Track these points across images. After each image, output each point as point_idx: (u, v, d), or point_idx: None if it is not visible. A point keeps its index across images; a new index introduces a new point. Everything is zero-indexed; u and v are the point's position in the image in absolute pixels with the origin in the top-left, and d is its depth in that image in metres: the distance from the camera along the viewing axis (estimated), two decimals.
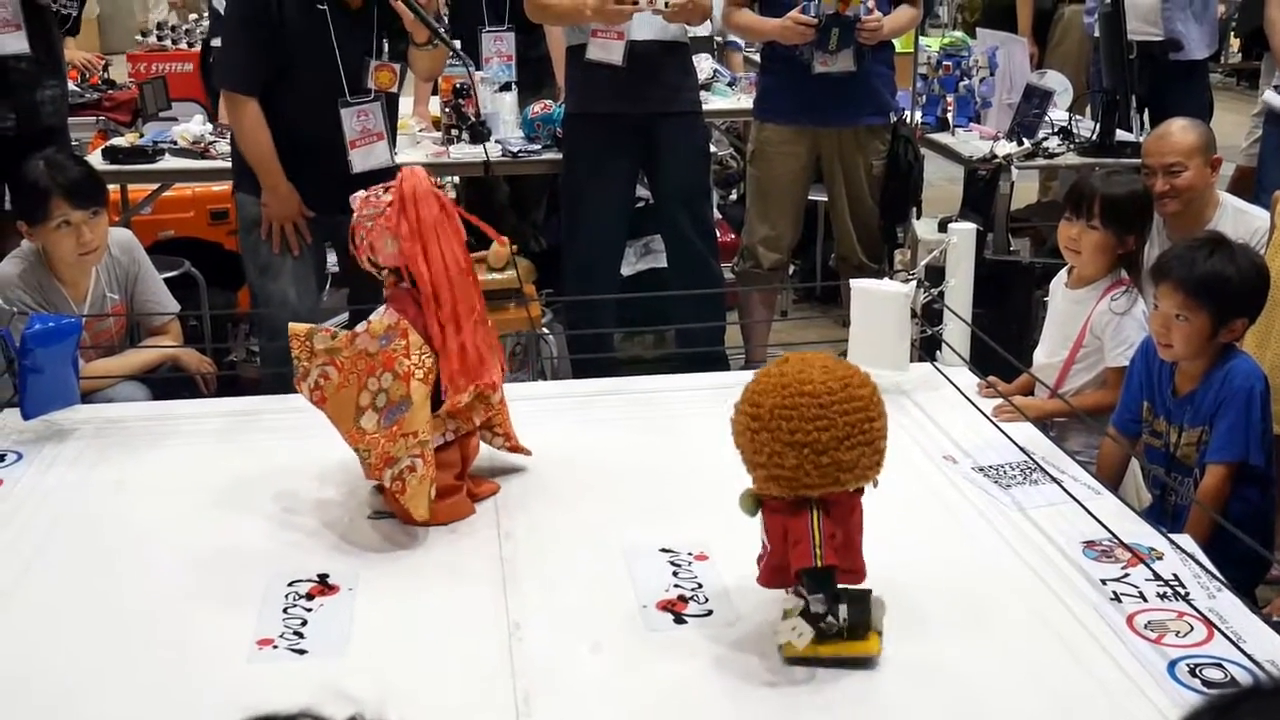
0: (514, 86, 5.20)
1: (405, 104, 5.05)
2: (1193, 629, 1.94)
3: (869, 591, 1.84)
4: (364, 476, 2.35)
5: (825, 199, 4.90)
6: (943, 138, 5.32)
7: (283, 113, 3.78)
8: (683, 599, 2.03)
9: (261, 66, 3.73)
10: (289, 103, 3.78)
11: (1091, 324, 3.14)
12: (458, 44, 4.29)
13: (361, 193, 2.26)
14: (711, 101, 5.80)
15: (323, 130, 3.77)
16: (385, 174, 3.83)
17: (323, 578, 2.11)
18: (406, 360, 2.17)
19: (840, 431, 1.73)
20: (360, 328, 2.22)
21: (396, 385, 2.17)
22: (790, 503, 1.78)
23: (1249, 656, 1.84)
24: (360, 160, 3.81)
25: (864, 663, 1.83)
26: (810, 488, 1.75)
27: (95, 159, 4.69)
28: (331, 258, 4.32)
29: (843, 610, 1.81)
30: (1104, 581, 2.09)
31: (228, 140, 4.37)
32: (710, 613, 1.99)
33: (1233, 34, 11.46)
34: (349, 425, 2.22)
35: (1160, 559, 2.15)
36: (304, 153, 3.78)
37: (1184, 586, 2.06)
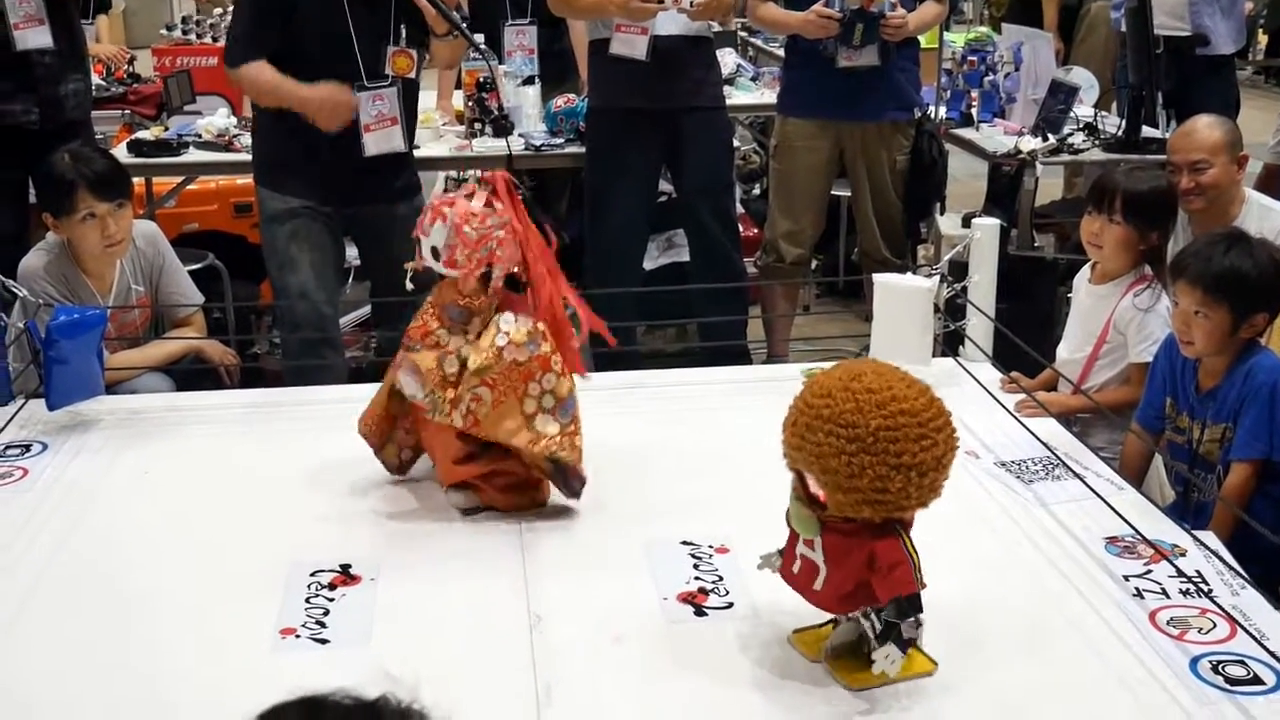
0: (537, 80, 5.20)
1: (429, 98, 5.06)
2: (1215, 626, 1.94)
3: None
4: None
5: (848, 194, 4.88)
6: (967, 133, 5.29)
7: None
8: (704, 591, 2.03)
9: (267, 44, 3.66)
10: None
11: (1115, 320, 3.12)
12: (480, 39, 4.29)
13: (452, 202, 2.22)
14: (735, 96, 5.79)
15: None
16: (399, 159, 3.83)
17: (345, 568, 2.12)
18: (558, 359, 2.23)
19: (940, 450, 1.68)
20: (501, 341, 2.21)
21: (561, 382, 2.24)
22: (873, 525, 1.70)
23: (1272, 654, 1.83)
24: (374, 144, 3.78)
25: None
26: (906, 509, 1.70)
27: (120, 152, 4.71)
28: (351, 251, 4.32)
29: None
30: (1126, 578, 2.08)
31: (251, 133, 4.37)
32: (731, 605, 2.00)
33: (1261, 30, 11.39)
34: (526, 434, 2.21)
35: (1183, 555, 2.15)
36: (319, 143, 3.76)
37: (1207, 583, 2.05)
